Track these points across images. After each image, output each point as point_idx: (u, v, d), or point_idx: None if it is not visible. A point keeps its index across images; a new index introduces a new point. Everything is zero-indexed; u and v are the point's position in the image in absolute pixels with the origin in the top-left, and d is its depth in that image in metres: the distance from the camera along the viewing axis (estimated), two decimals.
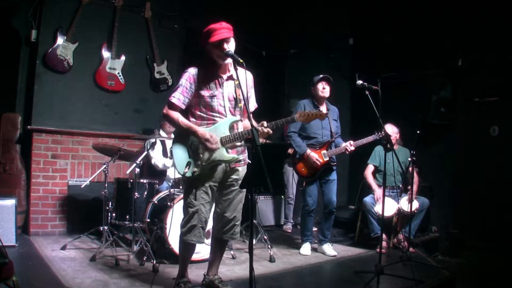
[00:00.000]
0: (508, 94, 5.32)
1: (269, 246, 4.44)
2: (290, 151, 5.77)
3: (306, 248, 4.61)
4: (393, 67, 5.91)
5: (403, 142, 5.32)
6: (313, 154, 4.44)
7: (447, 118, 5.75)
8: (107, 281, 3.36)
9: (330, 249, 4.64)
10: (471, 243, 5.35)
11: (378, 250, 4.09)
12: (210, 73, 3.08)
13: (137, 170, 4.28)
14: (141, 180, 4.43)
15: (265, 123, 2.99)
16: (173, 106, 3.04)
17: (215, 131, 3.03)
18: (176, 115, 3.04)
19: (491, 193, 5.35)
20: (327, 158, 4.48)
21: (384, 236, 4.70)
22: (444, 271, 4.16)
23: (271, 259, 4.28)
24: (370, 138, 4.47)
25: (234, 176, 3.16)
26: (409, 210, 4.61)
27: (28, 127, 4.92)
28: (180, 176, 4.59)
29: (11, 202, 4.25)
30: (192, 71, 3.07)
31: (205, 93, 3.05)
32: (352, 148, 4.46)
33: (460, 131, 5.82)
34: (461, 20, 5.59)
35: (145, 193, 4.43)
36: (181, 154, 3.05)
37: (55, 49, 5.02)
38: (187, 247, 3.14)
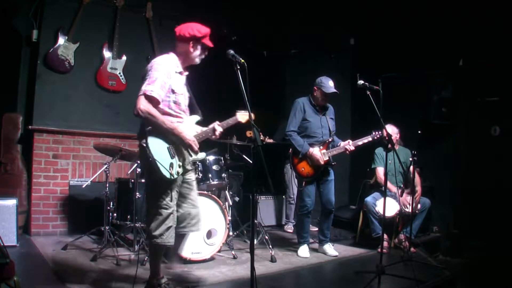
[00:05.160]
0: (509, 94, 5.32)
1: (270, 246, 4.44)
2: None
3: (304, 250, 4.59)
4: (394, 67, 5.91)
5: (403, 143, 5.32)
6: (316, 152, 4.44)
7: (448, 118, 5.74)
8: (108, 281, 3.36)
9: (331, 249, 4.64)
10: (472, 243, 5.36)
11: (379, 250, 4.10)
12: (179, 69, 3.11)
13: (138, 170, 4.29)
14: (142, 180, 4.42)
15: (217, 122, 3.18)
16: (152, 101, 2.86)
17: (189, 129, 3.09)
18: (157, 112, 2.88)
19: (492, 193, 5.35)
20: (327, 158, 4.48)
21: (385, 236, 4.70)
22: (445, 271, 4.16)
23: (272, 259, 4.28)
24: (369, 138, 4.48)
25: (192, 173, 3.24)
26: (410, 210, 4.61)
27: (29, 127, 4.92)
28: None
29: (12, 202, 4.25)
30: (166, 66, 3.00)
31: (178, 89, 3.04)
32: (352, 148, 4.47)
33: (461, 131, 5.82)
34: (462, 20, 5.59)
35: None
36: (162, 155, 2.93)
37: (56, 49, 5.02)
38: (162, 249, 3.09)
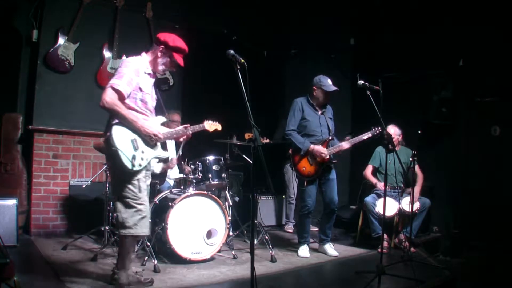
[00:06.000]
0: (509, 94, 5.32)
1: (270, 246, 4.44)
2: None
3: (304, 250, 4.59)
4: (394, 67, 5.91)
5: (405, 143, 5.32)
6: (318, 147, 4.44)
7: (448, 118, 5.74)
8: (108, 281, 3.36)
9: (331, 249, 4.64)
10: (472, 243, 5.35)
11: (379, 250, 4.10)
12: (149, 70, 3.21)
13: None
14: None
15: (188, 126, 3.37)
16: (118, 95, 3.01)
17: (153, 125, 3.19)
18: (122, 105, 3.02)
19: (492, 193, 5.35)
20: (328, 156, 4.48)
21: (385, 236, 4.70)
22: (445, 271, 4.16)
23: (272, 259, 4.28)
24: (368, 134, 4.48)
25: (149, 178, 3.29)
26: (410, 210, 4.61)
27: (29, 127, 4.93)
28: (181, 176, 4.64)
29: (12, 202, 4.24)
30: (136, 64, 3.12)
31: (145, 88, 3.15)
32: (347, 146, 4.47)
33: (461, 131, 5.82)
34: (462, 20, 5.58)
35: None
36: (125, 146, 3.02)
37: (56, 49, 5.03)
38: (135, 240, 3.15)
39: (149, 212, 3.17)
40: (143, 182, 3.12)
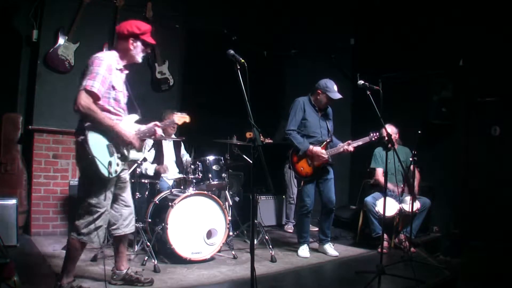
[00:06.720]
0: (509, 94, 5.32)
1: (270, 246, 4.43)
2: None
3: (304, 250, 4.59)
4: (394, 67, 5.91)
5: (402, 142, 5.32)
6: (317, 148, 4.43)
7: (448, 118, 5.75)
8: (108, 281, 3.35)
9: (331, 249, 4.64)
10: (472, 243, 5.36)
11: (379, 250, 4.10)
12: (120, 66, 3.11)
13: (138, 170, 4.28)
14: (142, 180, 4.43)
15: (156, 123, 3.23)
16: (92, 97, 2.84)
17: (128, 127, 3.09)
18: (97, 108, 2.86)
19: (492, 193, 5.35)
20: (327, 158, 4.48)
21: (385, 236, 4.69)
22: (445, 271, 4.16)
23: (272, 259, 4.28)
24: (366, 139, 4.49)
25: (126, 172, 3.26)
26: (410, 210, 4.60)
27: (29, 127, 4.93)
28: (181, 176, 4.64)
29: (12, 202, 4.25)
30: (108, 61, 2.98)
31: (118, 86, 3.04)
32: (351, 148, 4.47)
33: (461, 131, 5.82)
34: (462, 20, 5.59)
35: (146, 193, 4.43)
36: (101, 152, 2.89)
37: (56, 49, 5.02)
38: (83, 247, 3.04)
39: (107, 223, 3.06)
40: (110, 191, 3.01)
